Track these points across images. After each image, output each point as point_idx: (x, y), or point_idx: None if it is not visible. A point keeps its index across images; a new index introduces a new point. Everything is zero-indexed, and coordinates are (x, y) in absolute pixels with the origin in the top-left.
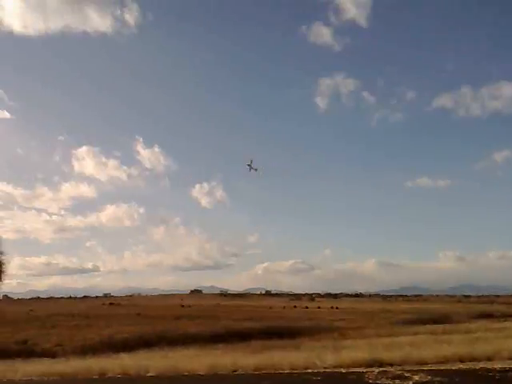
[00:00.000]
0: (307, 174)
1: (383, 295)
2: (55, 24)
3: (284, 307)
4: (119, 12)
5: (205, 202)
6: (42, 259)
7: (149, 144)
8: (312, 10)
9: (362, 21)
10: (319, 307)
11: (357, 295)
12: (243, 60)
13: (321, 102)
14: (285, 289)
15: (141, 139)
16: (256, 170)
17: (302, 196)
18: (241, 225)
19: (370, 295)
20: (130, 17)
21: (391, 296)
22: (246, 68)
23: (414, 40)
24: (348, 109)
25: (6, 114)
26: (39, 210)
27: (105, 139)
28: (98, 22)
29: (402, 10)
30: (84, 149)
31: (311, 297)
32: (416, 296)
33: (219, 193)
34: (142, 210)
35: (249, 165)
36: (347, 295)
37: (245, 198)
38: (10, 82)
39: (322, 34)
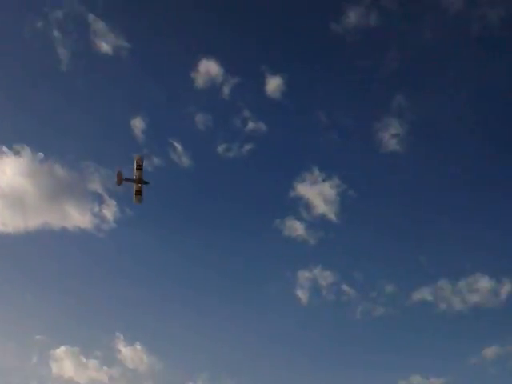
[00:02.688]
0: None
1: None
2: (34, 221)
3: None
4: (98, 209)
5: None
6: None
7: (130, 341)
8: (284, 204)
9: (332, 216)
10: None
11: None
12: (219, 254)
13: (302, 295)
14: None
15: (121, 336)
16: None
17: None
18: None
19: None
20: (109, 212)
21: None
22: (223, 262)
23: (386, 233)
24: (329, 301)
25: None
26: None
27: (84, 337)
28: (78, 218)
29: (369, 205)
30: (62, 349)
31: None
32: None
33: None
34: None
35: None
36: None
37: None
38: None
39: (296, 228)
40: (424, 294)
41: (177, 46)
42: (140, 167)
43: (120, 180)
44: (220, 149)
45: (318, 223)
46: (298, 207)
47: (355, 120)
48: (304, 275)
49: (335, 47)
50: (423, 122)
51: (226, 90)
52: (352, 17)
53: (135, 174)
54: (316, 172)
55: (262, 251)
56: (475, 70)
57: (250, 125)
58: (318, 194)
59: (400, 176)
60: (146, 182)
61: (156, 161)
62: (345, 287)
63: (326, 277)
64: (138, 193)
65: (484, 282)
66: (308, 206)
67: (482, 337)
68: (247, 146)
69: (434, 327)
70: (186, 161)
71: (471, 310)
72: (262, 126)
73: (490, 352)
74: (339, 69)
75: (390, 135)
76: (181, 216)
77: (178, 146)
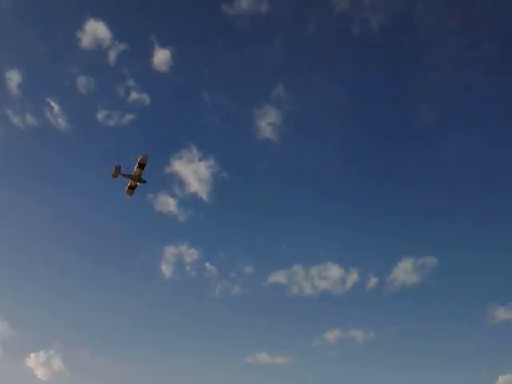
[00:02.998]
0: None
1: None
2: None
3: None
4: None
5: (40, 373)
6: None
7: None
8: (158, 179)
9: (204, 195)
10: None
11: None
12: (86, 222)
13: (166, 270)
14: None
15: None
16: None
17: None
18: None
19: None
20: None
21: None
22: (89, 230)
23: (249, 218)
24: (191, 278)
25: None
26: None
27: None
28: None
29: (239, 188)
30: None
31: None
32: None
33: (57, 363)
34: None
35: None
36: None
37: (87, 369)
38: None
39: (168, 203)
40: (279, 277)
41: (64, 0)
42: (142, 166)
43: (117, 174)
44: (100, 115)
45: (189, 201)
46: (171, 183)
47: (237, 105)
48: (170, 250)
49: (225, 30)
50: (299, 113)
51: (113, 55)
52: (244, 2)
53: (134, 171)
54: (194, 150)
55: (131, 224)
56: (352, 68)
57: (134, 95)
58: (193, 172)
59: (270, 164)
60: (144, 181)
61: (29, 119)
62: (208, 265)
63: (191, 254)
64: (132, 187)
65: (334, 271)
66: (182, 183)
67: (326, 321)
68: (128, 116)
69: (285, 309)
70: (62, 122)
71: (320, 295)
72: (146, 98)
73: (331, 335)
74: (227, 52)
75: (267, 123)
76: (47, 179)
77: (56, 107)
